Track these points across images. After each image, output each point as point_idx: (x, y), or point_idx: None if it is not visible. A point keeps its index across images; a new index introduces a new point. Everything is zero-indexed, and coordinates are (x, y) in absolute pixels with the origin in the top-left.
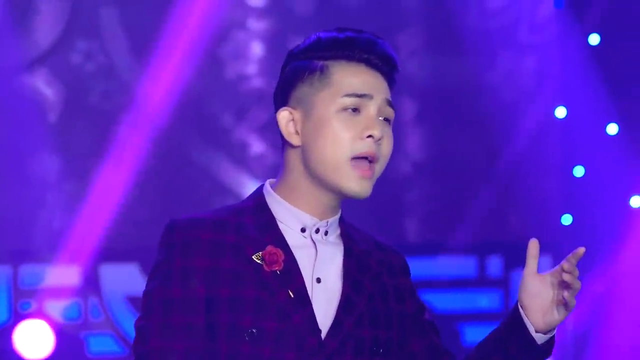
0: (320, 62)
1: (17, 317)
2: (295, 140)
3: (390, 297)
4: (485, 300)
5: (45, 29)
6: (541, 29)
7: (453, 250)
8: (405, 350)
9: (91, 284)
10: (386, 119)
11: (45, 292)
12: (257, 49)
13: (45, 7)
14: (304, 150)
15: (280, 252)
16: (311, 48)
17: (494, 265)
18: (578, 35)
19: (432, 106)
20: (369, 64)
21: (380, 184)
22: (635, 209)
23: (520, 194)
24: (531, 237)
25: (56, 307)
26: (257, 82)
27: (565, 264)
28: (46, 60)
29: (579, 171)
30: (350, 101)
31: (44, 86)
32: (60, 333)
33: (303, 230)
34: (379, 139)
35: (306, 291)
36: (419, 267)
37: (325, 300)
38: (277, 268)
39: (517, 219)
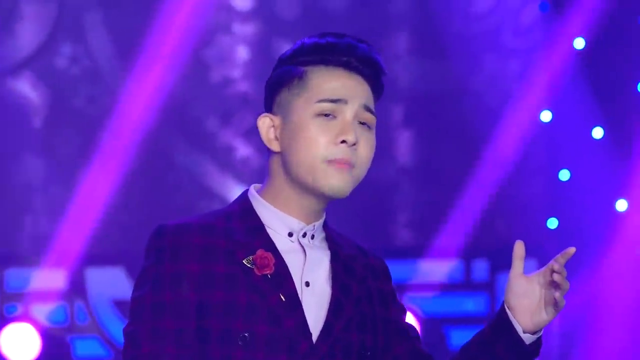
0: (301, 68)
1: (3, 320)
2: (275, 146)
3: (375, 301)
4: (471, 304)
5: (30, 33)
6: (526, 33)
7: (439, 254)
8: (389, 355)
9: (77, 287)
10: (365, 124)
11: (31, 295)
12: (242, 52)
13: (30, 11)
14: (283, 155)
15: (270, 255)
16: (295, 54)
17: (480, 269)
18: (563, 39)
19: (417, 110)
20: (349, 67)
21: (367, 188)
22: (620, 212)
23: (505, 198)
24: (517, 241)
25: (42, 311)
26: (242, 86)
27: (554, 265)
28: (31, 64)
29: (564, 175)
30: (324, 106)
31: (29, 90)
32: (47, 336)
33: (290, 234)
34: (354, 144)
35: (297, 295)
36: (405, 270)
37: (314, 304)
38: (268, 272)
39: (502, 223)
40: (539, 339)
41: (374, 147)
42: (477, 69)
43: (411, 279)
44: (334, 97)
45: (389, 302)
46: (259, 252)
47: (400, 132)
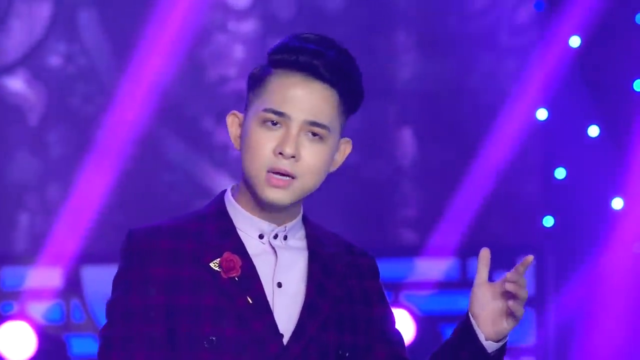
0: (268, 69)
1: None
2: (237, 144)
3: (357, 301)
4: (467, 302)
5: (25, 31)
6: (522, 31)
7: (435, 252)
8: (371, 356)
9: (73, 285)
10: (316, 135)
11: (27, 293)
12: (238, 51)
13: (25, 10)
14: (241, 155)
15: (237, 258)
16: (272, 50)
17: (476, 267)
18: (559, 37)
19: (413, 108)
20: (312, 73)
21: (364, 187)
22: (616, 210)
23: (501, 196)
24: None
25: (38, 309)
26: (238, 85)
27: (509, 274)
28: (26, 63)
29: (560, 173)
30: (268, 116)
31: (24, 88)
32: (43, 335)
33: (261, 236)
34: (292, 157)
35: (265, 297)
36: (402, 269)
37: (287, 305)
38: (234, 274)
39: (498, 221)
40: (503, 346)
41: (324, 158)
42: (474, 67)
43: (408, 277)
44: (279, 110)
45: (373, 301)
46: (226, 254)
47: (396, 131)
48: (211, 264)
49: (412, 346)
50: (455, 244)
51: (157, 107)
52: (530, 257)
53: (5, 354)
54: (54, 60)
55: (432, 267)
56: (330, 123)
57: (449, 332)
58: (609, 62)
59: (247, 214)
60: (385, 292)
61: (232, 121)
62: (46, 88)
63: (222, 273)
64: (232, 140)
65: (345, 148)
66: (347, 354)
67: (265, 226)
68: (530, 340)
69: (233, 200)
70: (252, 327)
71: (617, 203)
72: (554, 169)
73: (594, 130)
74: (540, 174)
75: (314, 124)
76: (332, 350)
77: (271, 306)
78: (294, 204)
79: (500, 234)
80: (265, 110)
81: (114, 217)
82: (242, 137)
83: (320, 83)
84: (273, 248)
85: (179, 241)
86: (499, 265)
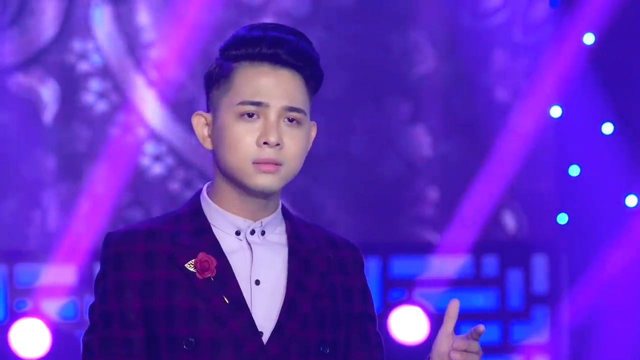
0: (230, 64)
1: (13, 316)
2: (208, 144)
3: (338, 296)
4: (482, 299)
5: (40, 28)
6: (536, 28)
7: (449, 249)
8: (349, 356)
9: (87, 283)
10: (294, 120)
11: (41, 291)
12: None
13: (40, 7)
14: (215, 154)
15: (212, 258)
16: (227, 47)
17: (490, 264)
18: (573, 35)
19: (426, 106)
20: (277, 61)
21: (377, 184)
22: (630, 208)
23: (515, 193)
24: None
25: (52, 306)
26: None
27: (456, 342)
28: (41, 60)
29: (574, 170)
30: (246, 108)
31: (38, 86)
32: (56, 332)
33: (238, 233)
34: (277, 145)
35: (242, 295)
36: (415, 266)
37: (266, 302)
38: (209, 275)
39: (512, 218)
40: None
41: (304, 142)
42: (488, 64)
43: (421, 274)
44: (255, 100)
45: (353, 296)
46: (200, 255)
47: (409, 128)
48: (186, 265)
49: (425, 343)
50: (470, 242)
51: (171, 105)
52: (481, 327)
53: (19, 352)
54: (69, 57)
55: (446, 265)
56: (304, 106)
57: (462, 329)
58: (623, 59)
59: (223, 211)
60: (399, 290)
61: (198, 121)
62: (60, 85)
63: (197, 274)
64: (201, 141)
65: (312, 131)
66: (327, 351)
67: (241, 222)
68: (544, 337)
69: (208, 199)
70: (230, 326)
71: (631, 200)
72: (568, 167)
73: (608, 128)
74: (554, 171)
75: (292, 109)
76: (312, 347)
77: (249, 304)
78: (272, 196)
79: (514, 232)
80: (241, 103)
81: (128, 214)
82: (216, 135)
83: (288, 69)
84: (249, 244)
85: (154, 243)
86: (513, 262)
